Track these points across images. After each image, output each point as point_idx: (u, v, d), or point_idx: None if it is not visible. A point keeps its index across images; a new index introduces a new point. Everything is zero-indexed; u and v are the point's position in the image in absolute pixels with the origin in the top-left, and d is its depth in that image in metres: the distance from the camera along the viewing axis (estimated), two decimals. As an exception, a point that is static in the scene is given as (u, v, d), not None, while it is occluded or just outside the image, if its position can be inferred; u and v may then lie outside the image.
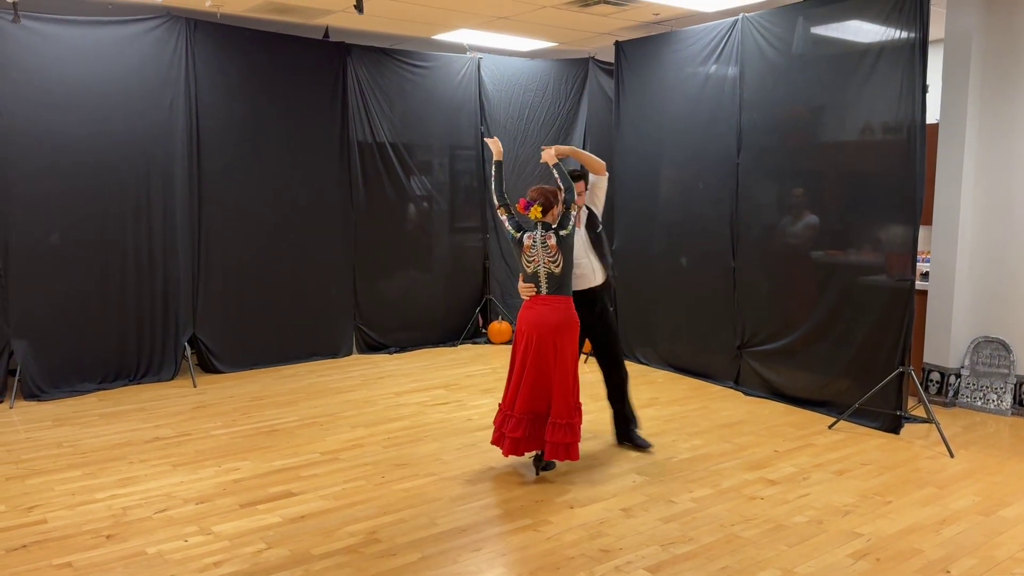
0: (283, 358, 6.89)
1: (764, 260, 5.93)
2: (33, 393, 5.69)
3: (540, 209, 4.11)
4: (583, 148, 7.73)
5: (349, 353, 7.30)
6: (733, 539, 3.56)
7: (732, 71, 6.03)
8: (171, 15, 6.13)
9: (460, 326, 7.92)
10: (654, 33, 6.82)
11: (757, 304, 5.98)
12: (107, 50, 5.88)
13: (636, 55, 6.88)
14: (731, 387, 6.17)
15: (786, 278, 5.82)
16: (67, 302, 5.85)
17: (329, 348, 7.17)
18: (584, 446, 4.49)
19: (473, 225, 8.02)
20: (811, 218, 5.68)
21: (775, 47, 5.74)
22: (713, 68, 6.19)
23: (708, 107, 6.23)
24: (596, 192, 4.66)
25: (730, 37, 6.03)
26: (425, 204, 7.71)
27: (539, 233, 4.15)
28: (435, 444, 4.85)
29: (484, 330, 8.03)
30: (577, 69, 7.91)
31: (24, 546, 3.46)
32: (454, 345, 7.78)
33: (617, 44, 7.04)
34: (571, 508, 3.87)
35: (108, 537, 3.56)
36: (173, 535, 3.58)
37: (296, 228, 6.88)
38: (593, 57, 7.85)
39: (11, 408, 5.51)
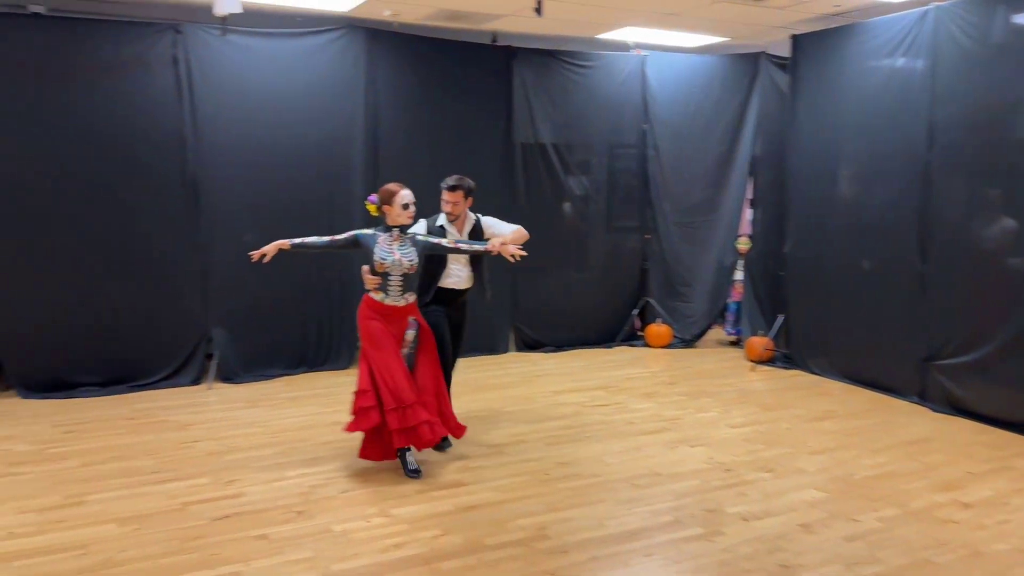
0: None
1: (954, 265, 5.48)
2: (228, 376, 6.20)
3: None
4: (753, 147, 7.48)
5: (506, 350, 7.42)
6: (926, 564, 3.32)
7: (921, 64, 5.63)
8: (352, 26, 6.48)
9: (615, 327, 7.86)
10: (833, 26, 6.48)
11: (945, 313, 5.54)
12: (297, 61, 6.29)
13: (815, 49, 6.55)
14: (916, 402, 5.74)
15: (978, 285, 5.36)
16: (259, 298, 6.27)
17: (487, 345, 7.31)
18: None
19: (631, 225, 7.89)
20: (1007, 222, 5.20)
21: (971, 37, 5.30)
22: (900, 61, 5.80)
23: (893, 102, 5.84)
24: (494, 230, 4.73)
25: (920, 28, 5.63)
26: (582, 203, 7.69)
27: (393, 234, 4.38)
28: (597, 445, 4.84)
29: (641, 332, 7.93)
30: (747, 65, 7.58)
31: (226, 516, 3.77)
32: (609, 347, 7.73)
33: (794, 38, 6.74)
34: (745, 520, 3.75)
35: (299, 513, 3.81)
36: (356, 515, 3.78)
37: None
38: (765, 52, 7.54)
39: (209, 389, 6.03)
